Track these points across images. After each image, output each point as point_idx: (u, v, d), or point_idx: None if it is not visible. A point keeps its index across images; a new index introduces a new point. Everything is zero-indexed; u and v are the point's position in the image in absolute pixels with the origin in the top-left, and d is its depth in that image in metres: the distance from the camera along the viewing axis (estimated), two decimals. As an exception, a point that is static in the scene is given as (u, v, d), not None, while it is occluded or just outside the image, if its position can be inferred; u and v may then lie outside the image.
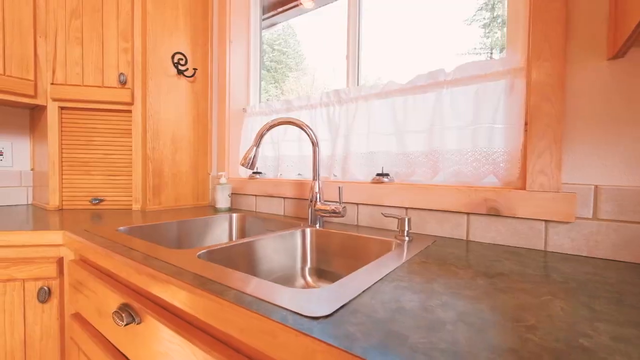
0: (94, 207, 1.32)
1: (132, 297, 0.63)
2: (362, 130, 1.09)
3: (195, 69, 1.43)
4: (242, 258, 0.79)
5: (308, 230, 0.96)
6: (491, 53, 1.04)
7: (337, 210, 0.92)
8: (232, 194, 1.43)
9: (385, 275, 0.55)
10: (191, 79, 1.45)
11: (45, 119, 1.29)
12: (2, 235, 0.84)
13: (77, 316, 0.84)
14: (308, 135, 1.00)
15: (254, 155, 0.95)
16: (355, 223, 1.05)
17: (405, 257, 0.67)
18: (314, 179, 1.01)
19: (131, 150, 1.33)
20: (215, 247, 0.73)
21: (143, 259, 0.62)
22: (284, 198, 1.25)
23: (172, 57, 1.37)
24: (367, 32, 1.25)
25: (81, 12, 1.26)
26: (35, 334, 0.87)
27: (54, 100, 1.26)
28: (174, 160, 1.40)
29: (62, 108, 1.28)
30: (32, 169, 1.46)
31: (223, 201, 1.35)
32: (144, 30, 1.29)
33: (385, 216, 0.86)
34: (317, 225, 0.98)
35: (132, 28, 1.29)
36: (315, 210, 0.97)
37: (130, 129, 1.33)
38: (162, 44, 1.34)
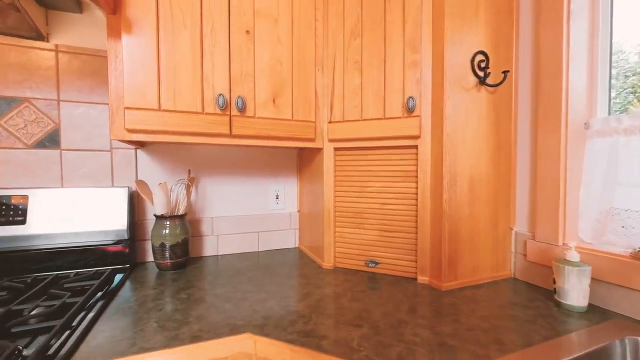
0: (369, 270, 1.06)
1: None
2: None
3: (505, 72, 0.92)
4: None
5: None
6: None
7: None
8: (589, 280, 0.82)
9: None
10: (493, 89, 0.96)
11: (313, 159, 1.15)
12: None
13: None
14: None
15: None
16: None
17: None
18: None
19: (414, 200, 0.98)
20: None
21: None
22: None
23: (472, 59, 0.92)
24: None
25: (360, 29, 1.01)
26: None
27: (330, 141, 1.08)
28: (471, 213, 0.95)
29: (336, 149, 1.09)
30: (298, 211, 1.41)
31: (575, 293, 0.77)
32: (437, 30, 0.91)
33: None
34: None
35: (421, 32, 0.93)
36: None
37: (415, 171, 0.98)
38: (461, 43, 0.91)
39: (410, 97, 0.93)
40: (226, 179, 1.28)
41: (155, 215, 1.05)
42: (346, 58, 1.03)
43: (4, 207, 0.91)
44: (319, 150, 1.12)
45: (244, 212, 1.31)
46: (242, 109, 0.94)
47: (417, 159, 0.97)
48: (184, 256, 1.08)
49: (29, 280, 0.87)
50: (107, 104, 1.09)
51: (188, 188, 1.12)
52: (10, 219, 0.91)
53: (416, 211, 0.98)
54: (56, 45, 1.02)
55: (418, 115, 0.94)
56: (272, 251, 1.33)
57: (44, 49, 1.01)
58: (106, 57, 1.08)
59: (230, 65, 0.94)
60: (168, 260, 1.04)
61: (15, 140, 1.00)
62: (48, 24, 1.02)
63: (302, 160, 1.34)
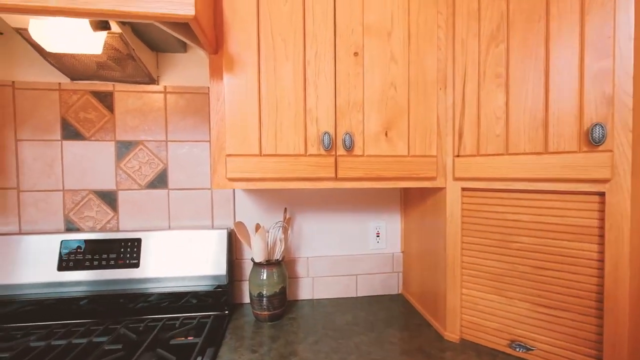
0: (517, 355, 0.78)
1: None
2: None
3: None
4: None
5: None
6: None
7: None
8: None
9: None
10: None
11: (428, 197, 0.92)
12: None
13: None
14: None
15: None
16: None
17: None
18: None
19: (597, 269, 0.67)
20: None
21: None
22: None
23: None
24: None
25: (505, 31, 0.75)
26: None
27: (457, 179, 0.84)
28: None
29: (464, 189, 0.85)
30: (402, 252, 1.20)
31: None
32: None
33: None
34: None
35: (614, 26, 0.63)
36: None
37: (597, 228, 0.67)
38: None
39: (596, 124, 0.63)
40: (322, 215, 1.15)
41: (252, 261, 0.98)
42: (483, 71, 0.78)
43: (122, 250, 0.95)
44: (438, 189, 0.90)
45: (341, 251, 1.16)
46: (350, 148, 0.79)
47: (603, 211, 0.66)
48: (281, 307, 0.98)
49: (140, 328, 0.87)
50: (208, 141, 1.07)
51: (285, 231, 1.02)
52: (127, 262, 0.94)
53: (601, 285, 0.67)
54: (165, 87, 1.04)
55: (609, 150, 0.64)
56: (373, 298, 1.15)
57: (155, 92, 1.04)
58: (206, 93, 1.06)
59: (335, 95, 0.79)
60: (266, 312, 0.95)
61: (132, 182, 1.04)
62: (158, 66, 1.05)
63: (409, 195, 1.12)
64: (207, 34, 0.68)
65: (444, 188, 0.86)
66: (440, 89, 0.84)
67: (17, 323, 0.90)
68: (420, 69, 0.83)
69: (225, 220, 1.09)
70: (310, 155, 0.79)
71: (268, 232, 1.01)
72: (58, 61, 0.89)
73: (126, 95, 1.03)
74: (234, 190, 1.09)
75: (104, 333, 0.84)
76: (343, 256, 1.16)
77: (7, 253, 0.91)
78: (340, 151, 0.79)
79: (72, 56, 0.84)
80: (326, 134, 0.77)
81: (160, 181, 1.05)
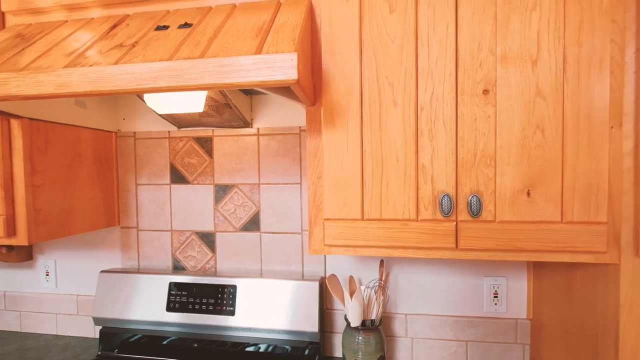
0: None
1: None
2: None
3: None
4: None
5: None
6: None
7: None
8: None
9: None
10: None
11: (578, 266, 0.67)
12: None
13: None
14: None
15: None
16: None
17: None
18: None
19: None
20: None
21: None
22: None
23: None
24: None
25: None
26: None
27: (643, 257, 0.59)
28: None
29: (655, 271, 0.59)
30: (529, 319, 0.95)
31: None
32: None
33: None
34: None
35: None
36: None
37: None
38: None
39: None
40: (423, 267, 0.98)
41: (346, 320, 0.89)
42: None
43: (219, 295, 0.97)
44: (605, 264, 0.65)
45: (447, 311, 0.98)
46: (478, 213, 0.62)
47: None
48: (379, 378, 0.86)
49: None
50: (298, 183, 1.02)
51: (383, 290, 0.89)
52: (224, 308, 0.95)
53: None
54: (258, 129, 1.03)
55: None
56: (488, 373, 0.93)
57: (248, 135, 1.03)
58: (297, 133, 1.01)
59: (457, 146, 0.63)
60: (362, 382, 0.85)
61: (228, 224, 1.06)
62: (252, 109, 1.04)
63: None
64: (306, 90, 0.60)
65: (618, 265, 0.62)
66: (613, 127, 0.60)
67: (129, 354, 1.00)
68: (582, 103, 0.60)
69: (316, 266, 1.02)
70: (423, 220, 0.64)
71: (362, 288, 0.90)
72: (168, 116, 0.95)
73: (224, 140, 1.05)
74: (325, 236, 1.01)
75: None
76: (449, 317, 0.97)
77: (128, 289, 1.01)
78: (463, 216, 0.63)
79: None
80: (445, 196, 0.62)
81: (252, 224, 1.04)
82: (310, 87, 0.64)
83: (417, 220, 0.65)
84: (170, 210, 1.09)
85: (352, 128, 0.66)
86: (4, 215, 0.80)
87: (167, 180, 1.08)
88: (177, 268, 1.09)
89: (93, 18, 0.78)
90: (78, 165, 0.97)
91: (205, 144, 1.06)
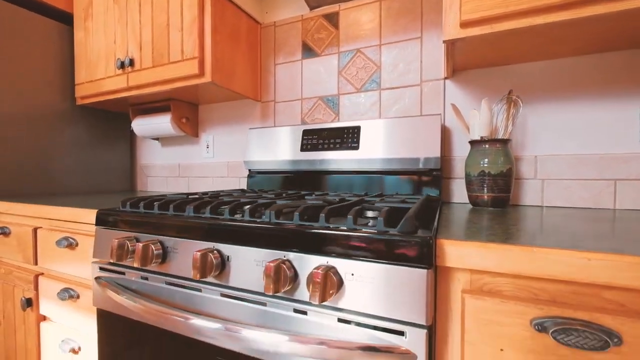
0: None
1: None
2: None
3: None
4: None
5: None
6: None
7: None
8: None
9: None
10: None
11: None
12: None
13: None
14: None
15: None
16: None
17: None
18: None
19: None
20: None
21: None
22: None
23: None
24: None
25: None
26: None
27: None
28: None
29: None
30: None
31: None
32: None
33: None
34: None
35: None
36: None
37: None
38: None
39: None
40: (557, 104, 0.93)
41: (470, 143, 0.91)
42: None
43: (344, 135, 1.10)
44: None
45: (587, 149, 0.90)
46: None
47: None
48: (507, 192, 0.85)
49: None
50: (419, 38, 1.09)
51: (514, 105, 0.89)
52: (349, 145, 1.08)
53: None
54: (380, -4, 1.15)
55: None
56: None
57: (371, 2, 1.16)
58: (418, -8, 1.09)
59: None
60: (488, 194, 0.85)
61: (351, 87, 1.20)
62: (374, -20, 1.16)
63: None
64: None
65: None
66: None
67: (272, 189, 1.22)
68: None
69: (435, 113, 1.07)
70: (572, -28, 0.64)
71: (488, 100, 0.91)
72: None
73: (349, 12, 1.20)
74: (444, 82, 1.05)
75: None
76: (589, 155, 0.89)
77: (269, 139, 1.24)
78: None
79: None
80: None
81: (373, 83, 1.16)
82: None
83: (564, -25, 0.65)
84: (301, 81, 1.29)
85: None
86: (198, 57, 1.11)
87: (299, 56, 1.29)
88: (306, 129, 1.28)
89: None
90: (237, 45, 1.25)
91: (332, 18, 1.23)
